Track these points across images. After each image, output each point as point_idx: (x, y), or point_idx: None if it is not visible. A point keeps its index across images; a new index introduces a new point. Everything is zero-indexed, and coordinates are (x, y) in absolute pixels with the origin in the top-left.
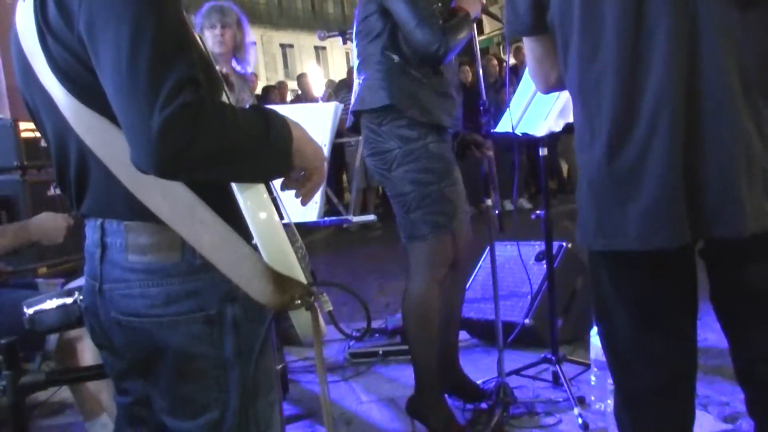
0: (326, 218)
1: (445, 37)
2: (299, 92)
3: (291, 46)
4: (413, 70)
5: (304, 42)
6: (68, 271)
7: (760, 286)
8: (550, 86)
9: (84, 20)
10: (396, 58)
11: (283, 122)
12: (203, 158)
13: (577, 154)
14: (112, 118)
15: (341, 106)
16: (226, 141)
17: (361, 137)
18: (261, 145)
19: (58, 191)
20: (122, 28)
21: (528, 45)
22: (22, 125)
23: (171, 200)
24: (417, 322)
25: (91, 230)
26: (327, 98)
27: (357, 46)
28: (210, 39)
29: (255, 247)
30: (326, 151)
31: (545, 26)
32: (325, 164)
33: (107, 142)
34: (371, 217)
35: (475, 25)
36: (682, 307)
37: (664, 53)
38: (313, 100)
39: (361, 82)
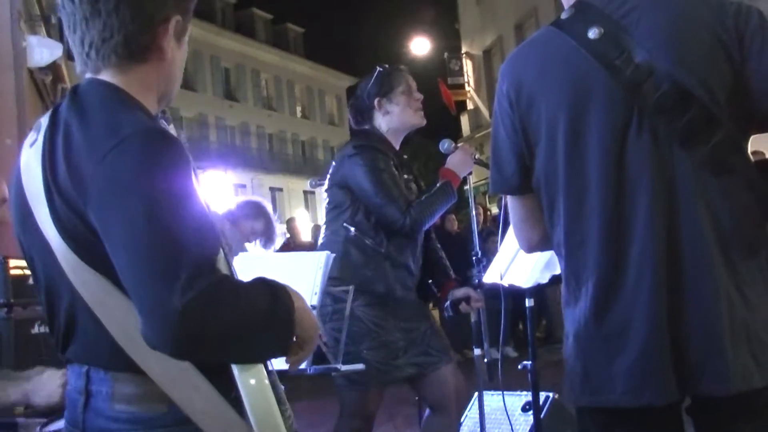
0: (313, 366)
1: (414, 212)
2: (287, 236)
3: (280, 189)
4: (369, 239)
5: (294, 186)
6: (47, 411)
7: None
8: (533, 246)
9: (96, 190)
10: (352, 230)
11: (287, 295)
12: (218, 341)
13: (563, 309)
14: (112, 278)
15: (333, 255)
16: (240, 323)
17: (351, 287)
18: (269, 323)
19: (42, 329)
20: (137, 204)
21: (513, 204)
22: (12, 262)
23: (164, 362)
24: None
25: (75, 376)
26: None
27: (325, 206)
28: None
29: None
30: (317, 299)
31: (530, 187)
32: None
33: (103, 300)
34: (360, 366)
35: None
36: None
37: (645, 217)
38: (302, 244)
39: (321, 242)
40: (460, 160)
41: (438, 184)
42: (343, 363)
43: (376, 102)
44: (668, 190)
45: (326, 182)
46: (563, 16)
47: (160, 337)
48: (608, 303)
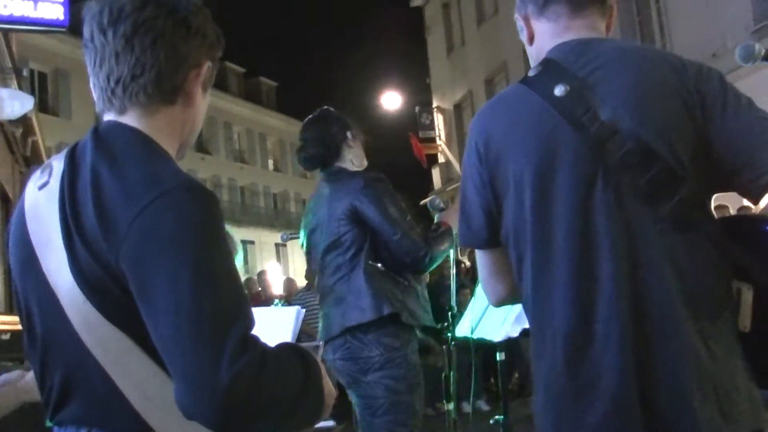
0: None
1: (429, 245)
2: (259, 289)
3: (252, 242)
4: (398, 276)
5: (266, 239)
6: None
7: None
8: (501, 300)
9: (133, 246)
10: (380, 266)
11: (315, 363)
12: (260, 414)
13: (533, 362)
14: (134, 337)
15: (303, 310)
16: (281, 395)
17: (320, 341)
18: (305, 395)
19: None
20: (184, 264)
21: (481, 258)
22: None
23: (186, 430)
24: None
25: None
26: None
27: (330, 262)
28: None
29: None
30: None
31: (498, 241)
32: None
33: (121, 360)
34: (330, 422)
35: None
36: None
37: (610, 273)
38: (272, 297)
39: (345, 297)
40: (452, 216)
41: (441, 228)
42: (397, 414)
43: (349, 134)
44: (633, 246)
45: (328, 234)
46: (531, 73)
47: (203, 408)
48: (576, 357)
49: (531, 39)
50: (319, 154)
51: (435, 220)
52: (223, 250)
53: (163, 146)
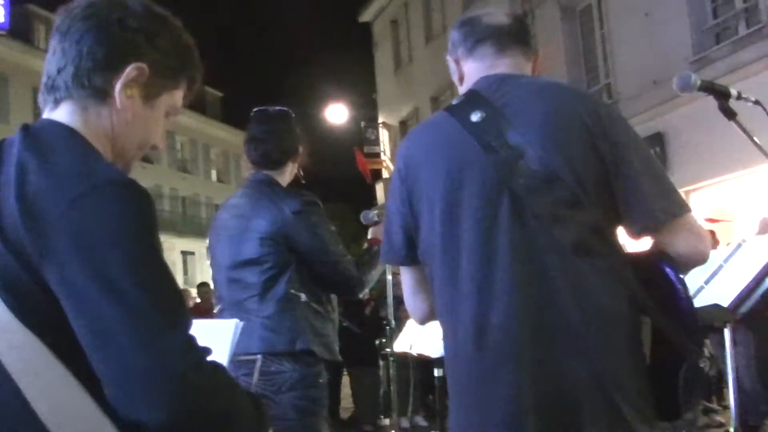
0: None
1: (361, 272)
2: (198, 300)
3: (192, 253)
4: (317, 305)
5: (206, 251)
6: None
7: None
8: (424, 317)
9: (62, 239)
10: (303, 296)
11: (267, 410)
12: (216, 417)
13: (447, 371)
14: (53, 346)
15: (241, 324)
16: (236, 409)
17: (259, 355)
18: (256, 425)
19: None
20: (119, 265)
21: (403, 275)
22: None
23: None
24: None
25: None
26: None
27: (243, 277)
28: None
29: None
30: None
31: (416, 258)
32: None
33: (35, 370)
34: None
35: None
36: None
37: (507, 289)
38: (211, 309)
39: (252, 318)
40: None
41: (373, 249)
42: None
43: (300, 149)
44: (531, 266)
45: (244, 250)
46: (454, 101)
47: (155, 399)
48: (477, 374)
49: (461, 79)
50: (270, 156)
51: (368, 236)
52: (158, 247)
53: (93, 143)
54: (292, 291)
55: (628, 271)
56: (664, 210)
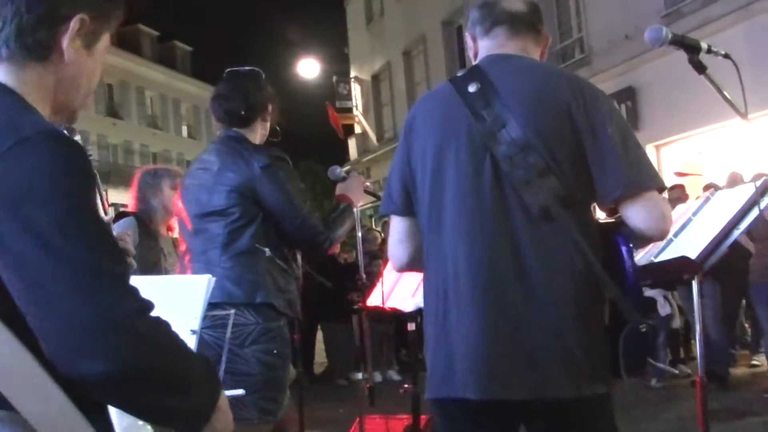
0: None
1: (329, 229)
2: None
3: None
4: (282, 262)
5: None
6: None
7: None
8: (402, 265)
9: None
10: (267, 251)
11: (219, 382)
12: (159, 365)
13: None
14: None
15: (213, 279)
16: (178, 363)
17: (232, 311)
18: (200, 385)
19: None
20: (52, 210)
21: (394, 225)
22: None
23: (44, 401)
24: None
25: None
26: None
27: (208, 227)
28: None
29: None
30: (197, 324)
31: (412, 211)
32: None
33: None
34: (240, 391)
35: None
36: None
37: (479, 243)
38: None
39: (215, 269)
40: (353, 188)
41: (341, 206)
42: (269, 390)
43: (270, 107)
44: (504, 224)
45: (208, 199)
46: (458, 74)
47: (97, 351)
48: (446, 310)
49: (476, 55)
50: (236, 112)
51: (336, 192)
52: (92, 198)
53: (31, 102)
54: (257, 245)
55: (590, 239)
56: (632, 181)
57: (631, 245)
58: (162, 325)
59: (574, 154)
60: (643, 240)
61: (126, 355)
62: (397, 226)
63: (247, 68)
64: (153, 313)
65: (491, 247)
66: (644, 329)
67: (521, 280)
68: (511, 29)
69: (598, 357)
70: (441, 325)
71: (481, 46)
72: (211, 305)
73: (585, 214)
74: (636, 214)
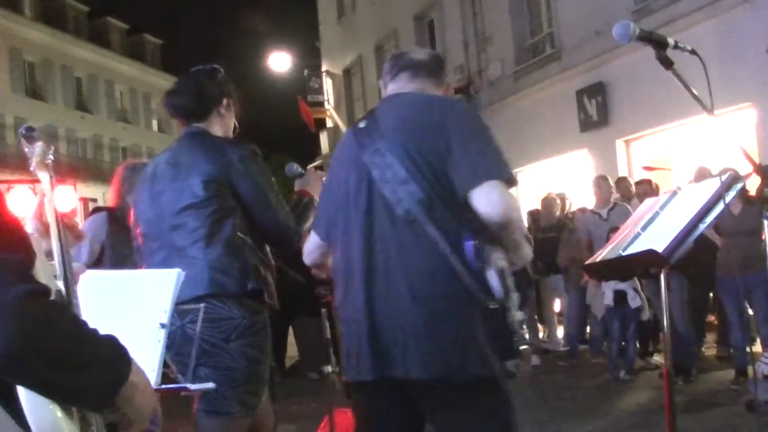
0: (163, 386)
1: (298, 225)
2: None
3: None
4: (261, 253)
5: None
6: None
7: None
8: (312, 266)
9: None
10: (248, 240)
11: (128, 363)
12: (53, 350)
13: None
14: None
15: (183, 273)
16: (75, 343)
17: (202, 305)
18: (103, 362)
19: None
20: None
21: (311, 240)
22: None
23: None
24: None
25: None
26: None
27: (186, 223)
28: None
29: None
30: (167, 317)
31: (326, 236)
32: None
33: None
34: (210, 384)
35: None
36: None
37: (359, 246)
38: None
39: (199, 263)
40: (311, 183)
41: (303, 201)
42: (252, 384)
43: (225, 100)
44: (379, 229)
45: (187, 189)
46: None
47: None
48: (345, 301)
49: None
50: (188, 106)
51: (295, 188)
52: None
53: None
54: (239, 234)
55: (452, 237)
56: (473, 172)
57: (476, 241)
58: (57, 307)
59: (435, 164)
60: (497, 228)
61: (15, 335)
62: (314, 243)
63: (204, 65)
64: (56, 298)
65: (369, 250)
66: (493, 307)
67: (386, 275)
68: (413, 74)
69: (468, 343)
70: (342, 312)
71: (388, 90)
72: (197, 299)
73: (446, 212)
74: (477, 200)
